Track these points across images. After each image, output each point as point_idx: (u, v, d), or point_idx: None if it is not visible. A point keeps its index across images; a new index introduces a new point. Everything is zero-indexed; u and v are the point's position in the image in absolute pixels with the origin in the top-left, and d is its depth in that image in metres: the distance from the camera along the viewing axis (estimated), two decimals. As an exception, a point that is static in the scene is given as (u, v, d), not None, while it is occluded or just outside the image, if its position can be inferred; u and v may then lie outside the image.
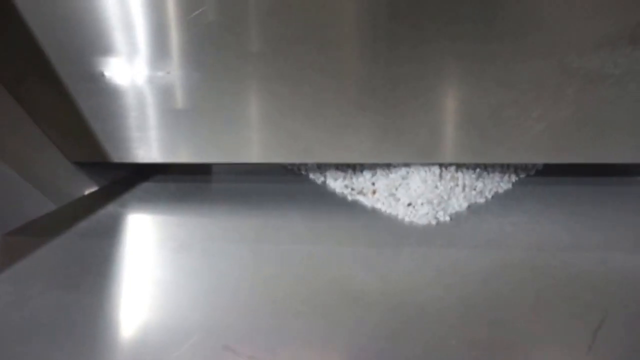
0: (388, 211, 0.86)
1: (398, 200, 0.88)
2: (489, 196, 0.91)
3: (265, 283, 0.65)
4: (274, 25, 0.79)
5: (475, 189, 0.92)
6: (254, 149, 0.90)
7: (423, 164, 0.90)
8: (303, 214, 0.86)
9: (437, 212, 0.85)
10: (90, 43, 0.83)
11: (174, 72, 0.84)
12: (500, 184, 0.96)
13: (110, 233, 0.80)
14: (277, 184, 1.01)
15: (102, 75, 0.85)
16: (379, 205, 0.88)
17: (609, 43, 0.76)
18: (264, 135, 0.88)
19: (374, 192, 0.92)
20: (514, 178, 0.98)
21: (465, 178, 0.91)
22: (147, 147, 0.91)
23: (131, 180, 1.02)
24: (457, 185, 0.90)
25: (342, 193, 0.94)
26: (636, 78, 0.78)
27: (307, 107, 0.85)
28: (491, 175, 0.96)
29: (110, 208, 0.89)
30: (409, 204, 0.87)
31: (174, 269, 0.70)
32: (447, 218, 0.84)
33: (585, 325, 0.54)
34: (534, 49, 0.77)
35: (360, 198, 0.92)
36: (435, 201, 0.86)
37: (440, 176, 0.90)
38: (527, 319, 0.56)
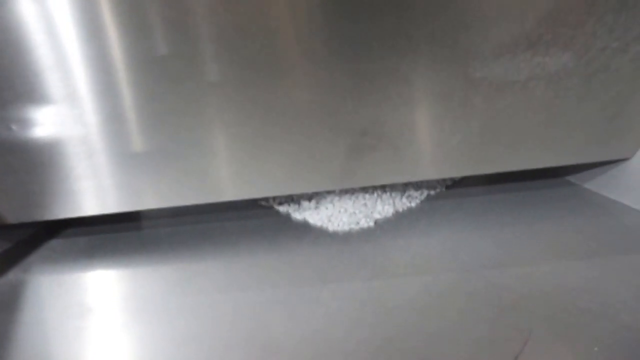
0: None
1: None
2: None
3: (188, 342, 0.57)
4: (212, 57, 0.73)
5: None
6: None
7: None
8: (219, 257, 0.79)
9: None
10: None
11: (72, 121, 0.76)
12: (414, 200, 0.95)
13: (11, 305, 0.69)
14: (193, 224, 0.93)
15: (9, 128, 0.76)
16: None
17: (508, 50, 0.73)
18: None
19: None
20: (426, 193, 0.97)
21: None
22: (54, 202, 0.81)
23: (38, 238, 0.92)
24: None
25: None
26: (541, 82, 0.75)
27: (254, 139, 0.78)
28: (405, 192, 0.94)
29: (11, 275, 0.78)
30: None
31: (84, 339, 0.60)
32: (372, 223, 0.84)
33: (507, 350, 0.50)
34: (436, 61, 0.74)
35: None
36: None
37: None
38: (450, 350, 0.51)
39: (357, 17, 0.70)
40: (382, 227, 0.85)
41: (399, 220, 0.87)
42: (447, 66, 0.74)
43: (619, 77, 0.76)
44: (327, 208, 0.92)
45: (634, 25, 0.72)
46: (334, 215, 0.89)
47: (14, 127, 0.76)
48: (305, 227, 0.88)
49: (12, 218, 0.81)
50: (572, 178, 0.96)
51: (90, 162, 0.79)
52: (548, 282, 0.62)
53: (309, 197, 0.97)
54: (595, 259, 0.66)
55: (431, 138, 0.79)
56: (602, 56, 0.74)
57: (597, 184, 0.90)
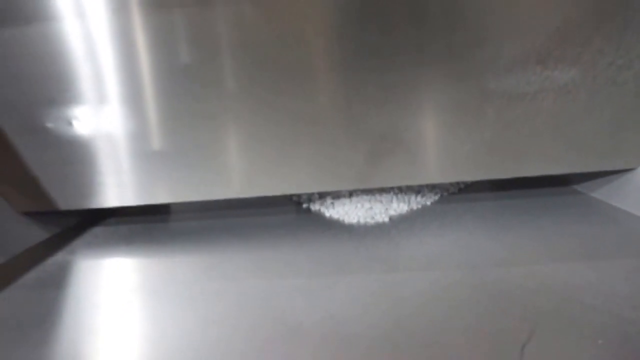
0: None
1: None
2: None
3: (216, 322, 0.63)
4: (239, 68, 0.80)
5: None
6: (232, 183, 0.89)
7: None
8: (248, 246, 0.85)
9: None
10: (40, 94, 0.81)
11: (122, 119, 0.84)
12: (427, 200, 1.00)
13: (60, 283, 0.76)
14: (228, 218, 1.00)
15: (45, 126, 0.84)
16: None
17: (519, 64, 0.78)
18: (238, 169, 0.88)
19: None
20: (440, 194, 1.02)
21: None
22: (96, 193, 0.89)
23: (83, 225, 1.00)
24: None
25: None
26: (550, 95, 0.80)
27: (281, 142, 0.85)
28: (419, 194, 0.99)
29: (59, 257, 0.86)
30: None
31: (122, 316, 0.66)
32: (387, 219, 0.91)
33: (514, 340, 0.53)
34: (452, 73, 0.79)
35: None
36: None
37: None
38: (460, 340, 0.54)
39: (379, 30, 0.76)
40: (396, 224, 0.90)
41: (412, 218, 0.92)
42: (462, 78, 0.79)
43: (625, 91, 0.79)
44: (344, 203, 0.98)
45: (639, 43, 0.76)
46: (351, 210, 0.95)
47: (72, 122, 0.85)
48: (323, 220, 0.94)
49: (63, 205, 0.89)
50: (579, 187, 1.00)
51: (129, 158, 0.87)
52: (553, 280, 0.65)
53: (328, 192, 1.03)
54: (599, 260, 0.70)
55: (445, 144, 0.83)
56: (609, 71, 0.78)
57: (604, 193, 0.93)
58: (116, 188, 0.88)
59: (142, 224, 1.00)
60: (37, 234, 0.93)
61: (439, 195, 1.02)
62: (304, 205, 1.03)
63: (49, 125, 0.84)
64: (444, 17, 0.75)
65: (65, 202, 0.89)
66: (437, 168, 0.85)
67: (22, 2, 0.77)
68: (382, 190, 1.02)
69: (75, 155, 0.86)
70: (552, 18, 0.75)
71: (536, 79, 0.79)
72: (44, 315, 0.67)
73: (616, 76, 0.78)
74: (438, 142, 0.84)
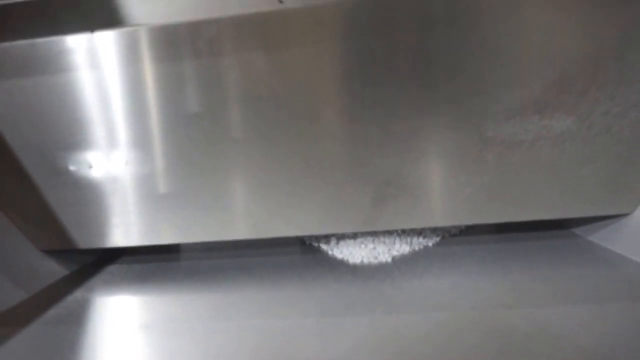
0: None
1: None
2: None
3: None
4: (248, 116, 0.84)
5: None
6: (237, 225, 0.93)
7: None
8: (258, 286, 0.88)
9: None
10: (60, 139, 0.87)
11: (139, 162, 0.88)
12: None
13: (78, 319, 0.80)
14: (236, 258, 1.03)
15: (68, 168, 0.89)
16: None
17: (517, 113, 0.81)
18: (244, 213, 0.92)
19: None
20: (441, 236, 1.05)
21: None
22: (115, 233, 0.93)
23: (99, 263, 1.04)
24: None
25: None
26: (547, 142, 0.83)
27: (289, 186, 0.88)
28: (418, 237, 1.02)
29: (78, 294, 0.89)
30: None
31: (137, 352, 0.69)
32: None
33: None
34: (453, 121, 0.82)
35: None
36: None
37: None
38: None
39: (384, 81, 0.80)
40: (399, 265, 0.92)
41: (415, 259, 0.94)
42: (463, 126, 0.83)
43: (620, 139, 0.82)
44: (348, 244, 1.01)
45: (633, 93, 0.79)
46: (355, 250, 0.99)
47: (71, 167, 0.90)
48: (328, 260, 0.97)
49: (82, 244, 0.93)
50: (577, 230, 1.01)
51: (139, 200, 0.91)
52: (553, 323, 0.67)
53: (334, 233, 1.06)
54: (597, 304, 0.71)
55: (447, 189, 0.87)
56: (604, 120, 0.81)
57: (601, 237, 0.95)
58: (134, 228, 0.92)
59: (155, 263, 1.03)
60: (57, 271, 0.97)
61: (440, 236, 1.04)
62: (309, 244, 1.06)
63: (69, 168, 0.89)
64: (445, 68, 0.79)
65: (84, 241, 0.93)
66: (439, 212, 0.88)
67: (45, 55, 0.83)
68: (386, 231, 1.04)
69: (93, 197, 0.91)
70: (549, 69, 0.79)
71: (534, 127, 0.82)
72: (64, 351, 0.70)
73: (612, 125, 0.81)
74: (440, 187, 0.87)
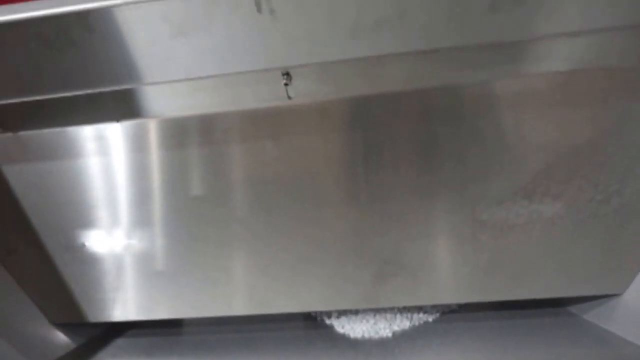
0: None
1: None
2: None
3: None
4: (253, 198, 0.90)
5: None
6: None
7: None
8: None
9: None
10: (76, 218, 0.92)
11: (149, 240, 0.93)
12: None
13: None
14: (239, 332, 1.05)
15: (84, 245, 0.93)
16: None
17: (509, 199, 0.87)
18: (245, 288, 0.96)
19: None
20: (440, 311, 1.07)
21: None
22: (124, 307, 0.96)
23: (106, 336, 1.05)
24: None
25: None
26: (537, 226, 0.88)
27: (292, 265, 0.93)
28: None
29: (87, 368, 0.92)
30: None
31: None
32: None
33: None
34: (449, 206, 0.88)
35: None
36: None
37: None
38: None
39: (384, 168, 0.87)
40: (400, 341, 0.94)
41: (415, 334, 0.97)
42: (458, 210, 0.88)
43: (606, 224, 0.87)
44: (350, 318, 1.04)
45: (613, 182, 0.85)
46: (356, 325, 1.01)
47: (87, 244, 0.94)
48: (330, 335, 0.99)
49: (92, 317, 0.96)
50: (572, 308, 1.04)
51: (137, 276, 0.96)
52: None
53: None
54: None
55: (444, 268, 0.91)
56: (589, 206, 0.87)
57: (595, 315, 0.98)
58: (143, 303, 0.95)
59: (161, 337, 1.05)
60: (66, 343, 0.99)
61: (440, 312, 1.07)
62: (311, 318, 1.09)
63: (84, 244, 0.94)
64: (442, 158, 0.86)
65: (94, 314, 0.96)
66: (437, 290, 0.92)
67: (70, 142, 0.90)
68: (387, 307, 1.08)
69: (104, 272, 0.95)
70: (536, 160, 0.85)
71: (524, 211, 0.88)
72: None
73: (597, 210, 0.87)
74: (438, 266, 0.91)
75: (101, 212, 0.91)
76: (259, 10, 0.71)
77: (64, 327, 0.99)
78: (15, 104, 0.85)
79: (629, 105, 0.79)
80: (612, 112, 0.81)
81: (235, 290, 0.94)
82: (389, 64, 0.79)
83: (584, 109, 0.81)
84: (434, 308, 1.07)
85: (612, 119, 0.81)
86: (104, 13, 0.73)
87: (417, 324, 1.02)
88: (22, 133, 0.90)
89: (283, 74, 0.80)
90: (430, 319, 1.04)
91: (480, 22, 0.71)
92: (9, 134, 0.91)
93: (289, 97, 0.83)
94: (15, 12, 0.75)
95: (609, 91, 0.79)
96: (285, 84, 0.80)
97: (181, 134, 0.88)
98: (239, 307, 0.94)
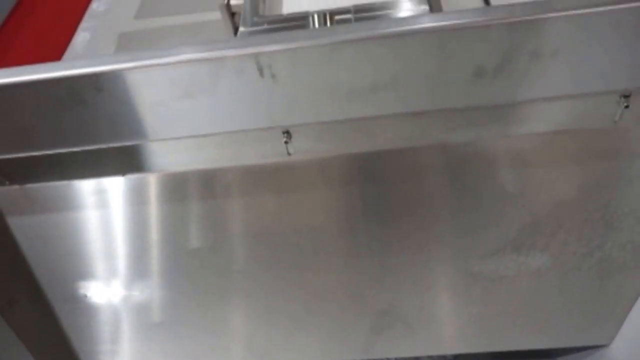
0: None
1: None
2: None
3: None
4: (252, 251, 0.92)
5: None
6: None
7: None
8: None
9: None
10: (78, 269, 0.94)
11: (149, 291, 0.94)
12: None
13: None
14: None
15: (85, 296, 0.95)
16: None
17: (498, 252, 0.91)
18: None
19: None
20: None
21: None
22: (122, 358, 0.97)
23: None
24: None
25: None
26: (525, 278, 0.92)
27: (289, 317, 0.95)
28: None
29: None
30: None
31: None
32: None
33: None
34: (442, 258, 0.92)
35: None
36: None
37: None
38: None
39: (380, 223, 0.90)
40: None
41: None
42: (450, 262, 0.92)
43: (590, 276, 0.91)
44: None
45: (595, 237, 0.89)
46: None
47: (88, 294, 0.96)
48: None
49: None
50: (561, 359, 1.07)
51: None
52: None
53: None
54: None
55: (439, 320, 0.94)
56: (574, 259, 0.90)
57: (584, 367, 1.00)
58: (140, 355, 0.96)
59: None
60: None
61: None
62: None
63: (85, 295, 0.95)
64: (436, 213, 0.90)
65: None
66: (432, 341, 0.94)
67: (75, 194, 0.92)
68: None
69: (103, 323, 0.96)
70: (523, 215, 0.89)
71: (513, 264, 0.91)
72: None
73: (581, 263, 0.91)
74: (432, 317, 0.94)
75: (103, 264, 0.93)
76: (261, 75, 0.76)
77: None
78: (24, 157, 0.89)
79: (605, 164, 0.85)
80: (590, 170, 0.86)
81: (234, 341, 0.95)
82: (382, 123, 0.84)
83: (565, 167, 0.86)
84: (430, 358, 1.09)
85: (590, 177, 0.86)
86: (115, 75, 0.77)
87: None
88: (28, 185, 0.93)
89: (283, 132, 0.84)
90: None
91: (465, 88, 0.77)
92: (16, 186, 0.93)
93: (289, 154, 0.88)
94: (31, 73, 0.79)
95: (587, 151, 0.85)
96: (286, 142, 0.85)
97: (183, 187, 0.91)
98: (238, 358, 0.95)
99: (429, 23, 0.70)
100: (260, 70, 0.76)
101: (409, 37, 0.71)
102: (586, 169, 0.86)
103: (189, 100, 0.79)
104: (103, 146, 0.86)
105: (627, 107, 0.77)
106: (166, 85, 0.78)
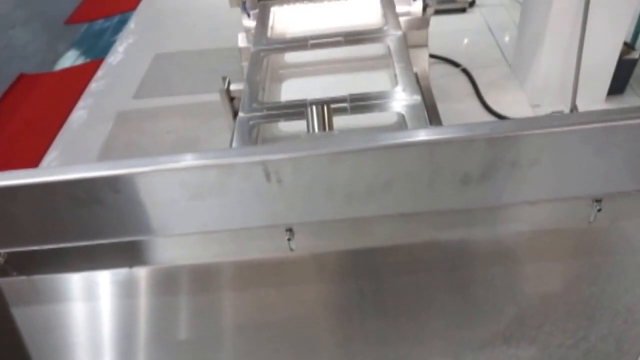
0: None
1: None
2: None
3: None
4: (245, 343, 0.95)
5: None
6: None
7: None
8: None
9: None
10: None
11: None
12: None
13: None
14: None
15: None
16: None
17: (489, 343, 0.95)
18: None
19: None
20: None
21: None
22: None
23: None
24: None
25: None
26: (517, 369, 0.95)
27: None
28: None
29: None
30: None
31: None
32: None
33: None
34: (435, 351, 0.95)
35: None
36: None
37: None
38: None
39: (376, 313, 0.94)
40: None
41: None
42: (445, 354, 0.95)
43: (578, 368, 0.95)
44: None
45: (579, 330, 0.94)
46: None
47: None
48: None
49: None
50: None
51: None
52: None
53: None
54: None
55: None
56: (560, 350, 0.95)
57: None
58: None
59: None
60: None
61: None
62: None
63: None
64: (429, 306, 0.95)
65: None
66: None
67: (69, 286, 0.96)
68: None
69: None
70: (511, 308, 0.94)
71: (503, 356, 0.95)
72: None
73: (567, 354, 0.95)
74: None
75: (110, 353, 0.94)
76: (268, 180, 0.82)
77: None
78: (34, 250, 0.92)
79: (584, 261, 0.92)
80: (570, 266, 0.92)
81: None
82: (378, 223, 0.90)
83: (547, 263, 0.93)
84: None
85: (571, 273, 0.93)
86: (131, 178, 0.83)
87: None
88: (35, 277, 0.96)
89: (286, 230, 0.90)
90: None
91: (453, 192, 0.84)
92: (23, 277, 0.96)
93: (292, 250, 0.93)
94: (52, 175, 0.84)
95: (567, 249, 0.92)
96: (288, 239, 0.90)
97: (190, 280, 0.95)
98: None
99: (420, 137, 0.78)
100: (267, 176, 0.82)
101: (402, 148, 0.79)
102: (567, 265, 0.93)
103: (198, 200, 0.85)
104: (114, 240, 0.91)
105: (599, 210, 0.85)
106: (177, 187, 0.84)
